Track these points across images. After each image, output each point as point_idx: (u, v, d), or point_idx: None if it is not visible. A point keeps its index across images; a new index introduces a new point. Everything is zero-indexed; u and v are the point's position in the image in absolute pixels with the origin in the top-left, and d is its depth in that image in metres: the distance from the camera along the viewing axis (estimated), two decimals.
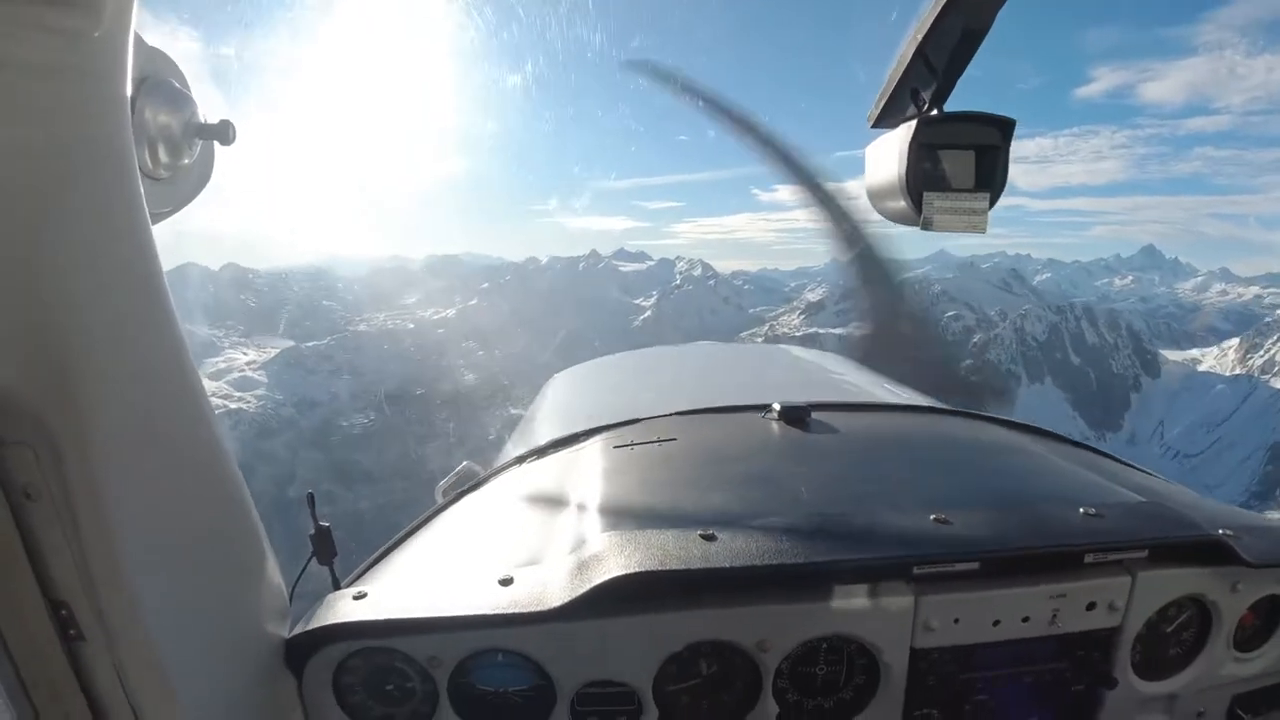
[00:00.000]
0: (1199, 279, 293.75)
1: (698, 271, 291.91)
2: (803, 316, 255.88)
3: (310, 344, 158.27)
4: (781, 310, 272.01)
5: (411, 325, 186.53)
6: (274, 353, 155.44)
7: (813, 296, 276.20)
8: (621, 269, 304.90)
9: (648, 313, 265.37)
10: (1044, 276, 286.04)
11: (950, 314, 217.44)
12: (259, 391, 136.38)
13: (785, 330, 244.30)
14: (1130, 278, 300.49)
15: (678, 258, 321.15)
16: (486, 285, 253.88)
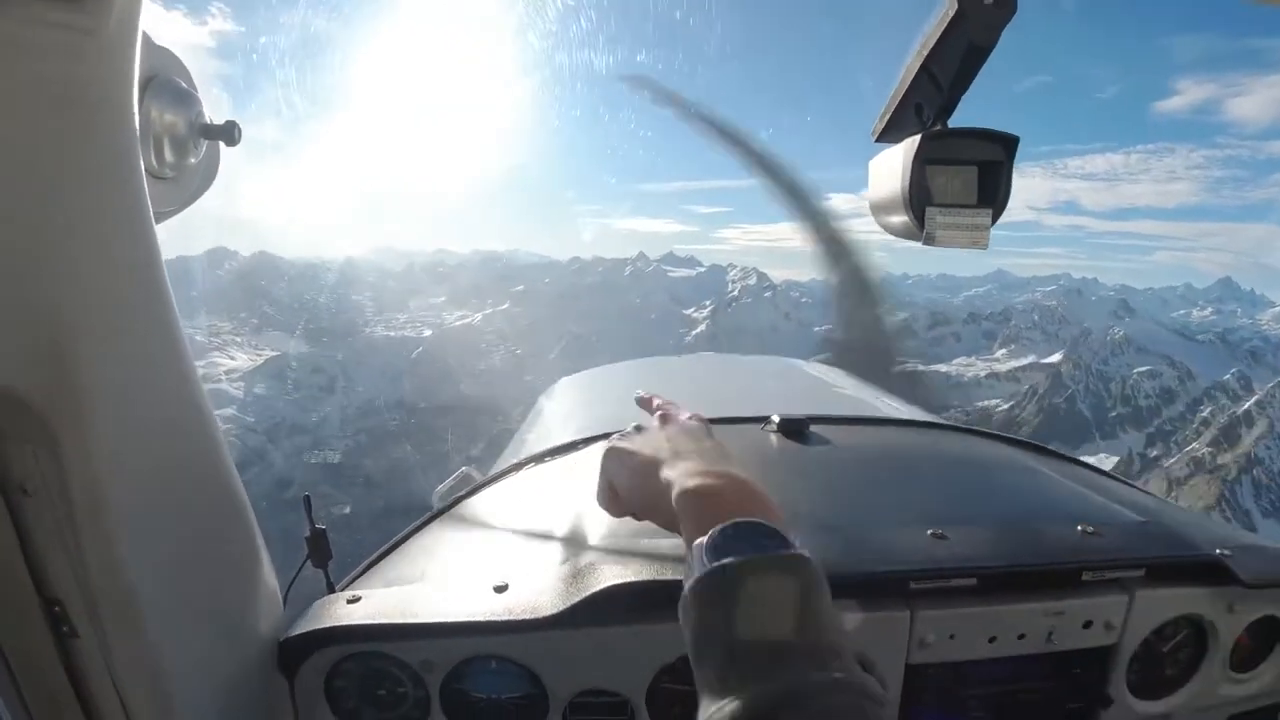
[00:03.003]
0: (1277, 309, 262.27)
1: (752, 281, 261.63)
2: None
3: (305, 351, 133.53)
4: None
5: (429, 332, 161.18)
6: (262, 360, 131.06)
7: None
8: (670, 274, 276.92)
9: (701, 327, 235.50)
10: None
11: (1141, 370, 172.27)
12: (229, 411, 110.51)
13: None
14: (1209, 309, 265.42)
15: (730, 265, 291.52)
16: (522, 288, 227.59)
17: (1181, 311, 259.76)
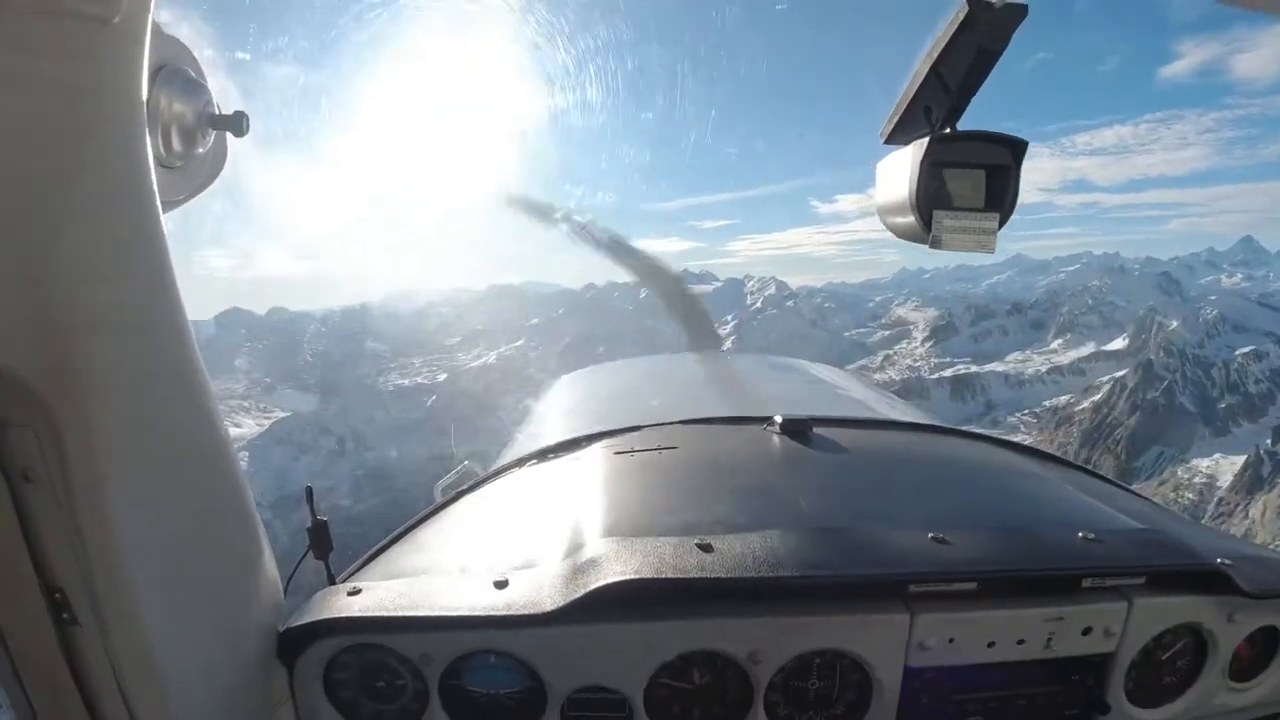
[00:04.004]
0: None
1: (771, 290, 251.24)
2: (930, 344, 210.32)
3: (316, 410, 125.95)
4: (878, 332, 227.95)
5: (443, 376, 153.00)
6: (269, 424, 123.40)
7: (909, 313, 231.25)
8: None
9: (726, 344, 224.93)
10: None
11: (1245, 351, 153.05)
12: None
13: (910, 362, 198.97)
14: (1238, 274, 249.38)
15: (746, 276, 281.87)
16: (537, 320, 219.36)
17: (1210, 278, 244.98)
